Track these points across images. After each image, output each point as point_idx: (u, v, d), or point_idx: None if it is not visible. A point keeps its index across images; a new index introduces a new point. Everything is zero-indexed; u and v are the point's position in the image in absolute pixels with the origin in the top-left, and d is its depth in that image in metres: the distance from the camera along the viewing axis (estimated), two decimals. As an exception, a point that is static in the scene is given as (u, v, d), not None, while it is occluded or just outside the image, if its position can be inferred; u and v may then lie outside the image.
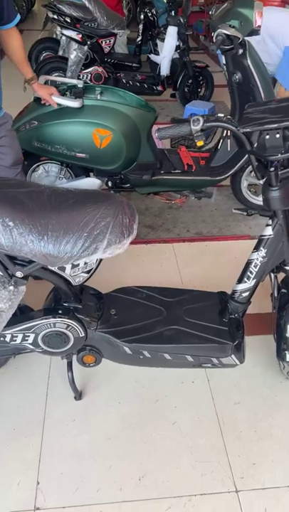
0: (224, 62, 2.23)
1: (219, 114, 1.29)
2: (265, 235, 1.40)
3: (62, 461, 1.51)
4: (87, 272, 1.35)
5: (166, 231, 2.70)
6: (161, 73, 4.02)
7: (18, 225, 1.15)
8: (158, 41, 4.11)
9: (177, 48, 3.91)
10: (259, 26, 2.07)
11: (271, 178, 1.25)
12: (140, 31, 4.51)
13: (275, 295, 1.61)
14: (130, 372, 1.79)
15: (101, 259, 1.38)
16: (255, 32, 2.10)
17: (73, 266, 1.30)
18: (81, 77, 3.90)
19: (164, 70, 3.98)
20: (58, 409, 1.67)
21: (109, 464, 1.50)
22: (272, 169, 1.24)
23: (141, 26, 4.50)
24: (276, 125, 1.16)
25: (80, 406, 1.68)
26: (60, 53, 4.18)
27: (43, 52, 4.47)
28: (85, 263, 1.31)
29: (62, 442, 1.56)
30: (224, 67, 2.25)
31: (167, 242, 2.59)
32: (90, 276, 1.39)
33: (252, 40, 2.36)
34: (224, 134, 2.48)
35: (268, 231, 1.38)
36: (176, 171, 2.51)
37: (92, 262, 1.32)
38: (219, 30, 1.97)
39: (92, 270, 1.37)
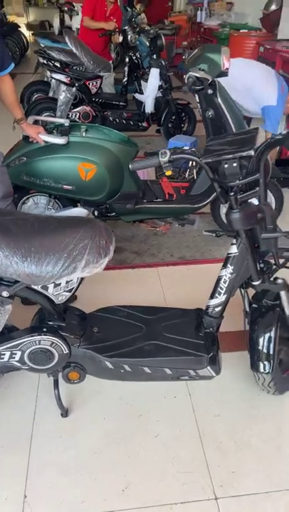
0: (198, 100, 2.44)
1: (184, 147, 1.46)
2: (231, 253, 1.53)
3: (49, 475, 1.57)
4: (69, 291, 1.47)
5: (151, 256, 2.83)
6: (146, 111, 4.28)
7: (3, 248, 1.28)
8: (142, 82, 4.40)
9: (160, 87, 4.19)
10: (227, 69, 2.29)
11: (232, 201, 1.40)
12: (126, 73, 4.82)
13: (247, 310, 1.73)
14: (114, 390, 1.87)
15: (82, 279, 1.50)
16: (223, 74, 2.32)
17: (55, 285, 1.42)
18: (70, 116, 4.14)
19: (148, 108, 4.24)
20: (46, 426, 1.74)
21: (94, 477, 1.57)
22: (232, 194, 1.39)
23: (126, 68, 4.82)
24: (231, 155, 1.32)
25: (67, 423, 1.75)
26: (51, 94, 4.45)
27: (35, 94, 4.75)
28: (67, 282, 1.43)
29: (49, 458, 1.63)
30: (198, 105, 2.46)
31: (152, 267, 2.72)
32: (72, 295, 1.50)
33: (236, 87, 2.65)
34: (202, 166, 2.67)
35: (234, 249, 1.52)
36: (158, 200, 2.68)
37: (74, 281, 1.45)
38: (190, 73, 2.19)
39: (74, 289, 1.48)
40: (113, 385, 1.87)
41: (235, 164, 1.36)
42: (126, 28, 4.55)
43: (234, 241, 1.52)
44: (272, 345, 1.61)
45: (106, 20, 4.54)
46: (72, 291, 1.49)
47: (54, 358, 1.57)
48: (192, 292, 2.48)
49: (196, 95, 2.44)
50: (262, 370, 1.64)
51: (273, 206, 2.83)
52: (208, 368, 1.60)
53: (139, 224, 3.12)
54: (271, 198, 2.80)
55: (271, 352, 1.61)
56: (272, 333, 1.61)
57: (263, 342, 1.62)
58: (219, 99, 2.31)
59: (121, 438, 1.70)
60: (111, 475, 1.57)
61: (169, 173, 1.46)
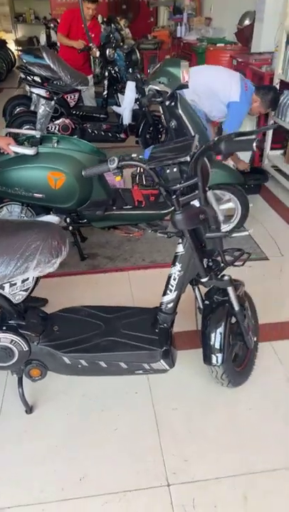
0: (161, 112, 2.57)
1: (133, 154, 1.57)
2: (178, 252, 1.64)
3: (12, 467, 1.65)
4: (26, 290, 1.56)
5: (123, 261, 2.93)
6: (124, 122, 4.42)
7: None
8: (119, 95, 4.55)
9: (136, 100, 4.34)
10: (186, 81, 2.42)
11: (174, 204, 1.51)
12: (106, 86, 4.99)
13: (201, 306, 1.83)
14: (78, 387, 1.96)
15: (38, 279, 1.60)
16: (184, 86, 2.45)
17: (11, 285, 1.51)
18: (50, 129, 4.28)
19: (126, 120, 4.38)
20: (10, 422, 1.82)
21: (54, 468, 1.64)
22: (174, 197, 1.50)
23: (106, 82, 4.98)
24: (171, 161, 1.44)
25: (31, 419, 1.83)
26: (32, 108, 4.58)
27: (17, 108, 4.89)
28: (22, 282, 1.52)
29: (14, 451, 1.71)
30: (162, 116, 2.59)
31: (123, 271, 2.82)
32: (29, 294, 1.60)
33: (203, 91, 2.79)
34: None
35: (180, 248, 1.63)
36: (127, 207, 2.79)
37: (29, 281, 1.54)
38: (150, 86, 2.32)
39: (30, 288, 1.58)
40: (77, 383, 1.96)
41: (175, 169, 1.47)
42: (103, 43, 4.72)
43: (180, 240, 1.63)
44: (222, 339, 1.71)
45: (83, 37, 4.70)
46: (29, 291, 1.58)
47: (14, 355, 1.65)
48: (160, 294, 2.57)
49: (160, 107, 2.57)
50: (214, 362, 1.73)
51: (239, 211, 2.96)
52: (162, 361, 1.69)
53: (114, 230, 3.23)
54: (237, 204, 2.93)
55: (222, 345, 1.71)
56: (222, 328, 1.71)
57: (214, 336, 1.72)
58: (180, 110, 2.43)
59: (82, 432, 1.78)
60: (70, 466, 1.65)
61: (118, 178, 1.57)
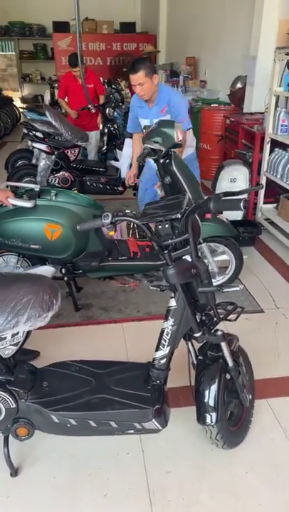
0: (156, 168, 2.67)
1: (126, 210, 1.61)
2: (171, 306, 1.63)
3: (-10, 539, 1.53)
4: (15, 345, 1.54)
5: (118, 312, 2.91)
6: (122, 176, 4.58)
7: None
8: (117, 150, 4.75)
9: (134, 155, 4.51)
10: (180, 140, 2.54)
11: (166, 258, 1.52)
12: (105, 142, 5.22)
13: (194, 362, 1.79)
14: (67, 447, 1.87)
15: (28, 333, 1.58)
16: (178, 145, 2.56)
17: (1, 339, 1.49)
18: (50, 181, 4.42)
19: (124, 173, 4.53)
20: (-6, 486, 1.72)
21: (37, 540, 1.53)
22: (166, 252, 1.52)
23: (105, 138, 5.22)
24: (162, 218, 1.47)
25: (16, 482, 1.73)
26: (34, 161, 4.76)
27: (19, 161, 5.07)
28: (12, 336, 1.50)
29: (-6, 520, 1.60)
30: (157, 172, 2.68)
31: (117, 322, 2.79)
32: (18, 349, 1.57)
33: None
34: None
35: (173, 303, 1.62)
36: (123, 258, 2.81)
37: (19, 335, 1.52)
38: (145, 145, 2.43)
39: (20, 343, 1.55)
40: (67, 443, 1.87)
41: (167, 225, 1.50)
42: (103, 102, 5.00)
43: (172, 295, 1.63)
44: (216, 397, 1.66)
45: (80, 93, 5.09)
46: (19, 345, 1.56)
47: (1, 412, 1.60)
48: (154, 347, 2.53)
49: (155, 164, 2.67)
50: (208, 421, 1.67)
51: (234, 263, 2.98)
52: (154, 420, 1.63)
53: (109, 281, 3.23)
54: (231, 257, 2.96)
55: (216, 403, 1.65)
56: (216, 385, 1.67)
57: (208, 394, 1.67)
58: (174, 167, 2.52)
59: (68, 496, 1.68)
60: (54, 537, 1.54)
61: (111, 233, 1.60)
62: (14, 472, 1.74)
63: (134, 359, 2.41)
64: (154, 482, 1.73)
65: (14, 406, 1.60)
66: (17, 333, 1.51)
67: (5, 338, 1.49)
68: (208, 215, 1.37)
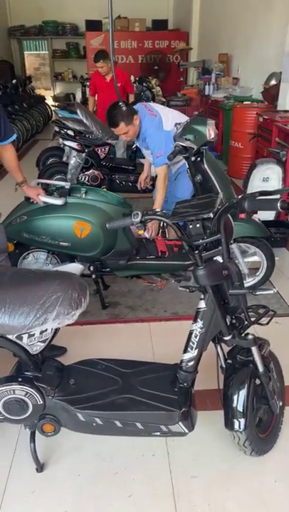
0: (187, 166, 2.63)
1: (156, 209, 1.59)
2: (200, 308, 1.59)
3: (16, 533, 1.55)
4: (44, 342, 1.54)
5: (145, 311, 2.89)
6: (152, 174, 4.54)
7: (-20, 299, 1.39)
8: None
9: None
10: (212, 138, 2.49)
11: (197, 259, 1.49)
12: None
13: (223, 365, 1.75)
14: (93, 446, 1.86)
15: (57, 330, 1.58)
16: (210, 143, 2.52)
17: (30, 335, 1.50)
18: (80, 179, 4.45)
19: (154, 172, 4.50)
20: (20, 480, 1.73)
21: (61, 537, 1.53)
22: (196, 252, 1.48)
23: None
24: (194, 217, 1.44)
25: (41, 478, 1.74)
26: (64, 159, 4.81)
27: (50, 158, 5.13)
28: (41, 333, 1.51)
29: (19, 514, 1.61)
30: (188, 170, 2.64)
31: (144, 322, 2.77)
32: (46, 345, 1.57)
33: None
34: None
35: (202, 304, 1.58)
36: (150, 257, 2.79)
37: (48, 332, 1.53)
38: (176, 142, 2.40)
39: (48, 340, 1.56)
40: (92, 441, 1.87)
41: (198, 225, 1.47)
42: (134, 100, 4.98)
43: (202, 296, 1.59)
44: (245, 402, 1.61)
45: (108, 90, 5.24)
46: (47, 342, 1.56)
47: (28, 408, 1.60)
48: (181, 348, 2.48)
49: (186, 162, 2.63)
50: (236, 427, 1.63)
51: (265, 265, 2.90)
52: (180, 423, 1.60)
53: (137, 279, 3.21)
54: (262, 258, 2.88)
55: (244, 409, 1.61)
56: (245, 390, 1.62)
57: (236, 399, 1.63)
58: (205, 165, 2.48)
59: (93, 495, 1.67)
60: (78, 535, 1.53)
61: (141, 232, 1.58)
62: (40, 468, 1.75)
63: (161, 359, 2.38)
64: (179, 486, 1.70)
65: (41, 402, 1.61)
66: (45, 330, 1.51)
67: (33, 334, 1.50)
68: (243, 215, 1.32)
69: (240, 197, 1.41)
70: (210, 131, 2.48)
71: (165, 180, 2.91)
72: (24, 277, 1.49)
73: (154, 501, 1.65)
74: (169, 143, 2.76)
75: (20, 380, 1.59)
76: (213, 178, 2.49)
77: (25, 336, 1.49)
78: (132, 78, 7.13)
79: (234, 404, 1.63)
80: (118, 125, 2.87)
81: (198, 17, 9.19)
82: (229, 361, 1.73)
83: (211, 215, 1.41)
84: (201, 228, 1.47)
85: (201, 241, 1.46)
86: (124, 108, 2.85)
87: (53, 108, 8.69)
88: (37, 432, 1.72)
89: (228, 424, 1.65)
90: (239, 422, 1.62)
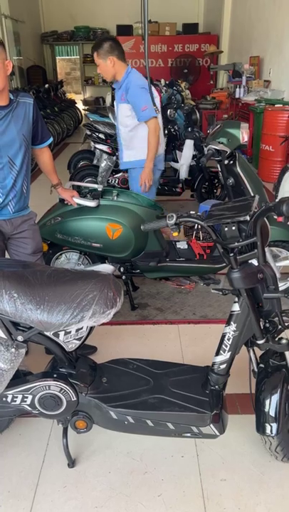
0: (219, 169, 2.63)
1: (191, 212, 1.60)
2: (234, 311, 1.59)
3: (48, 525, 1.59)
4: (79, 339, 1.58)
5: (173, 313, 2.90)
6: (180, 177, 4.57)
7: (21, 296, 1.44)
8: (177, 151, 4.74)
9: (194, 156, 4.49)
10: (246, 141, 2.48)
11: (232, 262, 1.49)
12: (164, 143, 5.23)
13: (255, 369, 1.74)
14: (123, 444, 1.89)
15: (92, 328, 1.62)
16: (243, 146, 2.51)
17: (66, 333, 1.54)
18: (110, 182, 4.51)
19: (183, 175, 4.53)
20: (52, 475, 1.78)
21: (91, 532, 1.56)
22: (231, 255, 1.49)
23: (165, 139, 5.23)
24: (230, 220, 1.44)
25: (72, 473, 1.78)
26: (95, 162, 4.89)
27: (81, 161, 5.23)
28: (77, 331, 1.54)
29: (51, 507, 1.65)
30: (220, 173, 2.64)
31: (173, 324, 2.78)
32: (82, 343, 1.61)
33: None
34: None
35: (236, 307, 1.58)
36: (180, 259, 2.80)
37: (83, 330, 1.56)
38: (209, 145, 2.41)
39: (84, 338, 1.59)
40: (122, 440, 1.89)
41: (234, 228, 1.47)
42: (164, 104, 5.00)
43: (236, 299, 1.59)
44: (278, 407, 1.60)
45: None
46: (82, 340, 1.60)
47: (62, 404, 1.65)
48: (211, 351, 2.47)
49: (218, 165, 2.63)
50: (268, 432, 1.62)
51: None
52: (211, 425, 1.60)
53: (165, 281, 3.24)
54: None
55: (277, 414, 1.59)
56: (278, 395, 1.60)
57: (269, 403, 1.61)
58: (238, 169, 2.48)
59: (123, 493, 1.69)
60: (109, 531, 1.56)
61: (175, 234, 1.59)
62: (72, 463, 1.79)
63: (190, 362, 2.39)
64: (208, 488, 1.70)
65: (75, 399, 1.64)
66: (81, 328, 1.55)
67: (70, 332, 1.54)
68: (280, 219, 1.31)
69: (278, 200, 1.41)
70: (243, 135, 2.48)
71: (156, 132, 2.79)
72: (62, 276, 1.53)
73: (184, 502, 1.65)
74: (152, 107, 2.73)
75: (55, 376, 1.64)
76: (246, 182, 2.48)
77: (61, 333, 1.54)
78: (162, 82, 7.16)
79: (266, 409, 1.62)
80: (93, 53, 2.83)
81: (229, 20, 9.15)
82: (262, 365, 1.72)
83: (248, 217, 1.41)
84: (237, 231, 1.47)
85: (236, 244, 1.47)
86: (107, 44, 2.78)
87: (84, 112, 8.83)
88: (69, 428, 1.76)
89: (260, 429, 1.64)
90: (271, 426, 1.60)
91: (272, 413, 1.60)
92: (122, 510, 1.63)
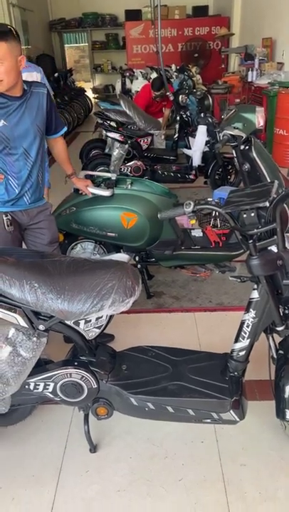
0: (235, 155, 2.60)
1: (208, 199, 1.59)
2: (253, 298, 1.59)
3: (72, 509, 1.63)
4: (99, 328, 1.60)
5: (189, 301, 2.91)
6: (193, 164, 4.53)
7: (41, 286, 1.45)
8: (190, 138, 4.69)
9: (207, 142, 4.43)
10: (261, 126, 2.44)
11: (250, 248, 1.48)
12: (177, 130, 5.19)
13: (274, 356, 1.74)
14: (143, 430, 1.91)
15: (111, 317, 1.63)
16: (259, 131, 2.47)
17: (86, 321, 1.55)
18: (122, 170, 4.49)
19: (196, 162, 4.48)
20: (74, 460, 1.81)
21: (115, 515, 1.60)
22: (250, 241, 1.48)
23: (177, 126, 5.18)
24: (249, 206, 1.43)
25: (94, 458, 1.82)
26: (106, 151, 4.87)
27: (92, 150, 5.21)
28: (97, 319, 1.56)
29: (75, 491, 1.69)
30: (235, 159, 2.61)
31: (189, 311, 2.78)
32: (101, 332, 1.63)
33: None
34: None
35: (255, 294, 1.58)
36: (196, 247, 2.79)
37: (103, 318, 1.58)
38: (224, 131, 2.37)
39: (103, 326, 1.61)
40: (142, 426, 1.92)
41: (253, 214, 1.46)
42: (176, 90, 4.95)
43: (255, 286, 1.58)
44: (297, 393, 1.60)
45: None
46: (102, 328, 1.61)
47: (84, 391, 1.67)
48: (228, 339, 2.47)
49: (234, 150, 2.60)
50: (288, 417, 1.62)
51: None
52: (231, 411, 1.62)
53: (180, 270, 3.23)
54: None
55: (297, 400, 1.60)
56: (298, 381, 1.60)
57: (288, 389, 1.62)
58: (254, 154, 2.44)
59: (145, 478, 1.72)
60: (132, 514, 1.59)
61: (193, 222, 1.59)
62: (93, 448, 1.83)
63: (207, 349, 2.39)
64: (229, 473, 1.72)
65: (96, 386, 1.67)
66: (101, 317, 1.56)
67: (90, 320, 1.55)
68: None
69: (297, 185, 1.39)
70: (259, 119, 2.44)
71: None
72: (80, 266, 1.54)
73: (204, 486, 1.68)
74: None
75: (76, 364, 1.66)
76: (262, 167, 2.45)
77: (82, 322, 1.55)
78: (174, 67, 7.06)
79: (286, 395, 1.63)
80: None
81: (240, 1, 8.92)
82: (281, 352, 1.72)
83: (267, 203, 1.40)
84: (256, 217, 1.46)
85: (255, 230, 1.45)
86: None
87: (94, 100, 8.77)
88: (90, 415, 1.79)
89: (280, 414, 1.65)
90: (291, 412, 1.61)
91: (292, 399, 1.61)
92: (143, 494, 1.66)
